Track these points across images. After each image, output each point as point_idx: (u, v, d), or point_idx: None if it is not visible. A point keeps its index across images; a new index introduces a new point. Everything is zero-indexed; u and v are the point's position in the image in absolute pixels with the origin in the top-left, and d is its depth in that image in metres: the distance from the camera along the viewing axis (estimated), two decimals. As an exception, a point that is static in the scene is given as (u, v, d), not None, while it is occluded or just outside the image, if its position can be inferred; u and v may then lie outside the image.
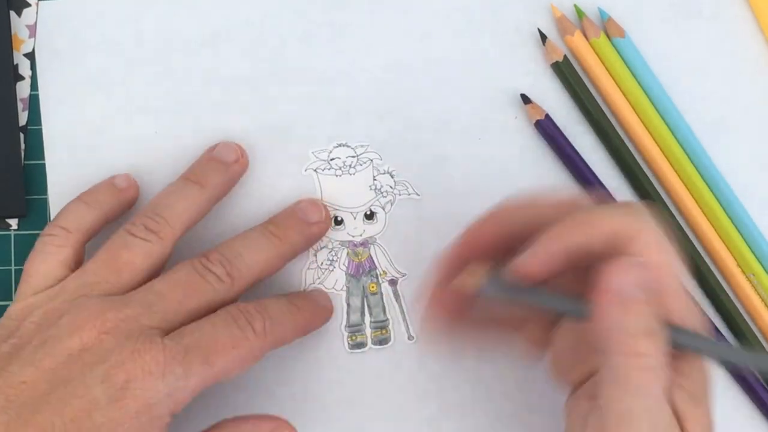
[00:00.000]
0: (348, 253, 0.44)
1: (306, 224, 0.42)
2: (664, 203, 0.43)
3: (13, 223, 0.44)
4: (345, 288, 0.44)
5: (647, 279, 0.32)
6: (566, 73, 0.43)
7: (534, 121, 0.43)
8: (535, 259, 0.34)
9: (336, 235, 0.44)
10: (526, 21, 0.44)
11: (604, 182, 0.44)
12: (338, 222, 0.44)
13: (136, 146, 0.44)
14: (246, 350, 0.37)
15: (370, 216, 0.44)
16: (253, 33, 0.44)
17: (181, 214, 0.40)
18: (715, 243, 0.43)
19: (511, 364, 0.44)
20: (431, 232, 0.44)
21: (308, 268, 0.44)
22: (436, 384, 0.44)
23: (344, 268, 0.44)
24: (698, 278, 0.43)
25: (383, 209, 0.44)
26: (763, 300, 0.43)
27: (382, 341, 0.44)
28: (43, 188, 0.44)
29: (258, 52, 0.44)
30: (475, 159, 0.44)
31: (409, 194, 0.44)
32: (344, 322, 0.44)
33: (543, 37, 0.44)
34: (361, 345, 0.44)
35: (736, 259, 0.43)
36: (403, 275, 0.44)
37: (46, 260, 0.39)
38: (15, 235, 0.44)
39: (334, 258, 0.44)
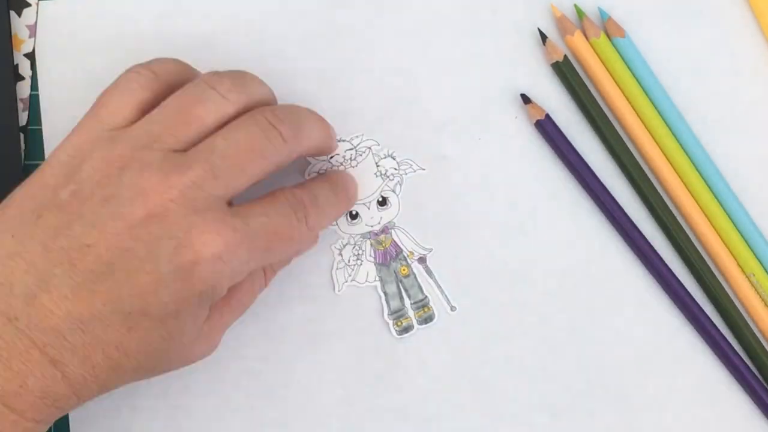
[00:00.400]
0: (371, 244, 0.44)
1: (334, 142, 0.42)
2: (664, 203, 0.43)
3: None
4: (377, 278, 0.44)
5: None
6: (566, 73, 0.43)
7: (534, 121, 0.43)
8: None
9: (355, 229, 0.44)
10: (526, 21, 0.44)
11: (603, 182, 0.44)
12: (354, 216, 0.44)
13: (136, 146, 0.44)
14: (299, 242, 0.38)
15: (382, 202, 0.44)
16: (253, 33, 0.44)
17: (260, 93, 0.38)
18: (714, 243, 0.43)
19: (511, 364, 0.44)
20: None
21: (336, 269, 0.44)
22: (436, 384, 0.44)
23: (371, 259, 0.44)
24: (698, 278, 0.43)
25: (394, 192, 0.44)
26: (763, 300, 0.43)
27: (426, 319, 0.44)
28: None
29: (258, 52, 0.44)
30: (475, 159, 0.44)
31: (415, 171, 0.44)
32: (386, 311, 0.44)
33: (543, 37, 0.44)
34: (408, 329, 0.44)
35: (736, 260, 0.43)
36: (430, 250, 0.44)
37: (124, 96, 0.37)
38: (15, 235, 0.44)
39: (360, 252, 0.44)
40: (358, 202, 0.44)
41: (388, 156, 0.44)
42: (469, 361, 0.44)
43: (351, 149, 0.44)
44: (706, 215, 0.43)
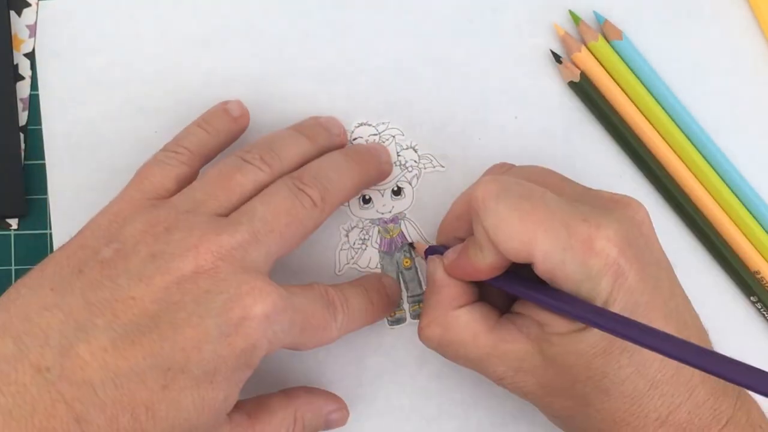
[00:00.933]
0: (379, 231, 0.44)
1: (380, 161, 0.43)
2: (690, 205, 0.44)
3: (13, 223, 0.44)
4: (379, 266, 0.44)
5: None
6: (587, 90, 0.43)
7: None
8: (443, 230, 0.42)
9: (365, 213, 0.44)
10: (526, 20, 0.44)
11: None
12: (366, 200, 0.44)
13: (136, 146, 0.44)
14: (326, 334, 0.38)
15: (397, 192, 0.44)
16: (253, 33, 0.44)
17: (293, 156, 0.39)
18: (735, 235, 0.44)
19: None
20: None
21: (341, 249, 0.44)
22: (436, 384, 0.44)
23: (377, 246, 0.44)
24: (719, 261, 0.44)
25: (410, 184, 0.44)
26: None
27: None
28: (43, 188, 0.44)
29: (258, 52, 0.44)
30: (474, 159, 0.44)
31: (434, 167, 0.44)
32: None
33: (557, 58, 0.44)
34: (400, 320, 0.44)
35: (755, 246, 0.44)
36: None
37: (164, 170, 0.38)
38: (15, 235, 0.44)
39: (366, 237, 0.44)
40: (373, 187, 0.44)
41: (410, 147, 0.44)
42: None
43: (375, 135, 0.44)
44: (723, 209, 0.44)
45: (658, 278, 0.36)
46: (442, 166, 0.44)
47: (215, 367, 0.33)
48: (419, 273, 0.44)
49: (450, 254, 0.39)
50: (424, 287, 0.44)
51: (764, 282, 0.43)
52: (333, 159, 0.40)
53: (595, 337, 0.35)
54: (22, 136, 0.44)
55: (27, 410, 0.31)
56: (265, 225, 0.36)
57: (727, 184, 0.43)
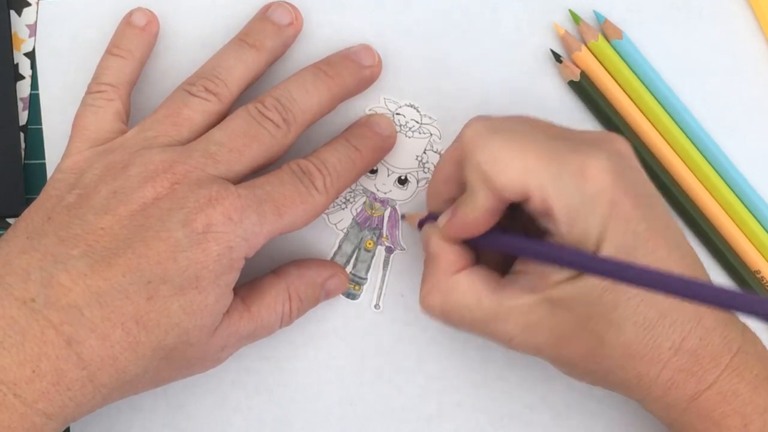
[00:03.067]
0: (365, 202, 0.44)
1: (359, 66, 0.42)
2: (690, 204, 0.44)
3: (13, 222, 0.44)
4: (345, 231, 0.44)
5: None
6: (587, 89, 0.43)
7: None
8: (432, 197, 0.40)
9: (364, 181, 0.44)
10: (526, 20, 0.44)
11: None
12: (373, 171, 0.44)
13: (136, 146, 0.44)
14: (311, 205, 0.38)
15: (402, 181, 0.44)
16: (253, 33, 0.44)
17: (238, 77, 0.40)
18: (735, 235, 0.44)
19: (511, 364, 0.44)
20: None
21: (329, 214, 0.44)
22: (436, 384, 0.44)
23: (354, 213, 0.44)
24: (719, 260, 0.44)
25: (417, 182, 0.44)
26: None
27: (350, 295, 0.44)
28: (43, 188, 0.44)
29: (258, 52, 0.44)
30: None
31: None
32: (329, 257, 0.44)
33: (557, 57, 0.44)
34: (352, 296, 0.44)
35: (755, 246, 0.44)
36: (402, 249, 0.44)
37: (98, 113, 0.39)
38: (15, 234, 0.44)
39: (351, 199, 0.44)
40: (386, 164, 0.44)
41: (438, 152, 0.44)
42: (470, 361, 0.44)
43: (417, 122, 0.44)
44: (724, 209, 0.44)
45: (653, 208, 0.36)
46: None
47: (195, 273, 0.35)
48: (372, 260, 0.44)
49: (443, 218, 0.38)
50: (368, 275, 0.44)
51: (764, 282, 0.43)
52: (299, 77, 0.41)
53: None
54: (22, 135, 0.44)
55: (18, 339, 0.33)
56: (222, 147, 0.37)
57: (727, 184, 0.43)
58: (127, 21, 0.42)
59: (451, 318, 0.38)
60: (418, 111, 0.44)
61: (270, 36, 0.42)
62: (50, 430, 0.34)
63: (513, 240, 0.37)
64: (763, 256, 0.43)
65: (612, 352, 0.36)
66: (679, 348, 0.35)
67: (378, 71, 0.43)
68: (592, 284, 0.35)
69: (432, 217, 0.40)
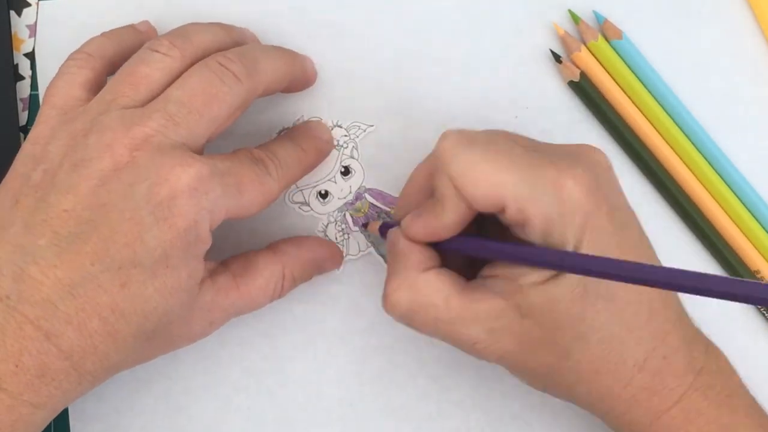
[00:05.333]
0: (351, 214, 0.44)
1: (304, 64, 0.43)
2: (690, 204, 0.44)
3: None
4: (369, 244, 0.44)
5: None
6: (586, 90, 0.43)
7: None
8: (402, 204, 0.40)
9: (329, 207, 0.44)
10: (526, 20, 0.44)
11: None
12: (324, 195, 0.44)
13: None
14: (267, 188, 0.38)
15: (345, 172, 0.44)
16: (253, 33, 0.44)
17: (205, 40, 0.39)
18: (735, 235, 0.44)
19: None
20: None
21: None
22: (436, 384, 0.44)
23: (356, 228, 0.44)
24: (719, 260, 0.44)
25: (353, 158, 0.44)
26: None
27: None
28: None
29: (258, 52, 0.44)
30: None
31: (365, 130, 0.44)
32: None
33: (557, 58, 0.44)
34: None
35: (755, 246, 0.44)
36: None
37: (66, 81, 0.39)
38: (15, 235, 0.44)
39: (343, 226, 0.44)
40: (322, 180, 0.44)
41: (335, 126, 0.44)
42: (470, 361, 0.44)
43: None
44: (722, 207, 0.44)
45: (626, 222, 0.36)
46: (371, 126, 0.44)
47: (164, 252, 0.34)
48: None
49: (408, 219, 0.38)
50: None
51: (765, 282, 0.43)
52: (261, 44, 0.41)
53: (570, 281, 0.34)
54: (22, 136, 0.44)
55: None
56: (181, 107, 0.36)
57: (727, 184, 0.43)
58: (131, 25, 0.42)
59: (416, 317, 0.37)
60: (285, 127, 0.44)
61: (236, 30, 0.42)
62: (39, 419, 0.34)
63: (484, 244, 0.37)
64: (763, 256, 0.43)
65: (577, 366, 0.36)
66: (643, 366, 0.35)
67: (313, 75, 0.44)
68: (562, 293, 0.34)
69: (392, 224, 0.40)
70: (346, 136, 0.44)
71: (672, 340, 0.36)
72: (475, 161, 0.35)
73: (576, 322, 0.35)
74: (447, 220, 0.36)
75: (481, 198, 0.35)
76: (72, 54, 0.40)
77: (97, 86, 0.39)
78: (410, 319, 0.37)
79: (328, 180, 0.44)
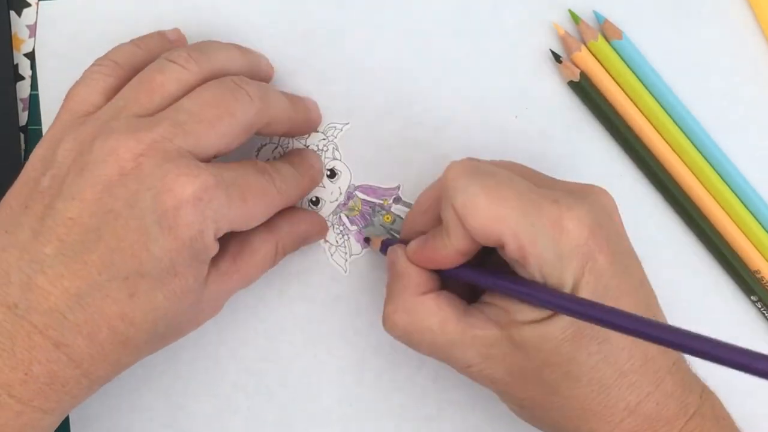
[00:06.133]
0: (346, 215, 0.44)
1: (308, 111, 0.43)
2: (690, 204, 0.44)
3: None
4: (368, 239, 0.44)
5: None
6: (586, 90, 0.43)
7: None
8: (408, 226, 0.40)
9: (323, 212, 0.44)
10: (526, 19, 0.44)
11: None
12: (315, 202, 0.44)
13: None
14: (271, 200, 0.38)
15: (331, 174, 0.44)
16: (253, 33, 0.44)
17: (221, 58, 0.39)
18: (735, 235, 0.43)
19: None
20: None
21: (332, 255, 0.44)
22: (435, 384, 0.44)
23: (355, 228, 0.44)
24: (719, 260, 0.44)
25: (336, 159, 0.44)
26: None
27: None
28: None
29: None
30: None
31: (341, 129, 0.44)
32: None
33: (557, 57, 0.44)
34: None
35: (755, 246, 0.44)
36: (398, 187, 0.44)
37: (88, 86, 0.38)
38: (15, 235, 0.44)
39: (341, 229, 0.44)
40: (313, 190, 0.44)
41: (313, 132, 0.44)
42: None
43: (276, 147, 0.44)
44: (723, 208, 0.44)
45: (627, 266, 0.36)
46: (346, 123, 0.44)
47: (171, 261, 0.34)
48: (402, 216, 0.44)
49: (413, 244, 0.38)
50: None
51: (764, 281, 0.43)
52: (272, 85, 0.41)
53: (563, 322, 0.34)
54: (22, 136, 0.44)
55: (8, 345, 0.33)
56: (191, 116, 0.36)
57: (727, 184, 0.43)
58: (161, 32, 0.42)
59: (413, 339, 0.37)
60: (264, 144, 0.44)
61: (254, 55, 0.42)
62: (48, 424, 0.35)
63: (482, 275, 0.37)
64: (763, 256, 0.43)
65: (565, 403, 0.36)
66: (633, 410, 0.35)
67: (317, 119, 0.44)
68: (553, 331, 0.34)
69: (394, 242, 0.40)
70: (324, 139, 0.44)
71: (667, 386, 0.36)
72: (478, 194, 0.35)
73: (565, 362, 0.35)
74: (451, 250, 0.36)
75: (481, 231, 0.35)
76: (98, 60, 0.39)
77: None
78: (407, 340, 0.38)
79: (317, 186, 0.44)
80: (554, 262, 0.34)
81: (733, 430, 0.37)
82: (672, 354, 0.36)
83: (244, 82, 0.37)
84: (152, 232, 0.34)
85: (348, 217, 0.44)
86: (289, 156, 0.43)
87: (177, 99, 0.37)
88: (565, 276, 0.34)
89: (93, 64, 0.39)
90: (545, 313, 0.35)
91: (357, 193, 0.44)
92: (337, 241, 0.44)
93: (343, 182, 0.44)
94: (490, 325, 0.36)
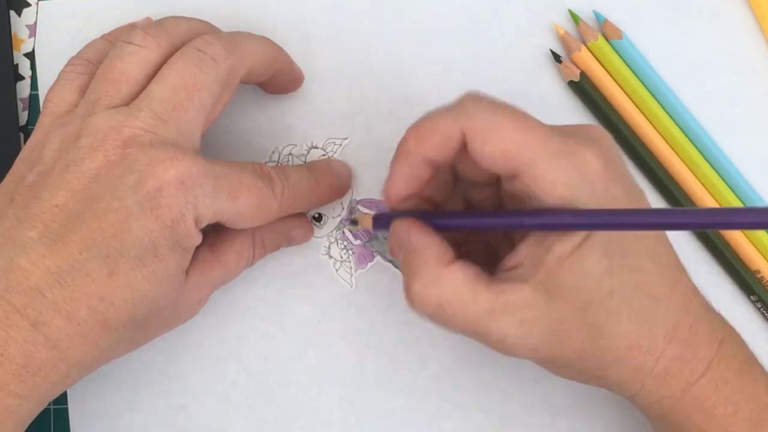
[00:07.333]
0: (349, 230, 0.44)
1: (292, 65, 0.43)
2: (690, 204, 0.44)
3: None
4: (375, 253, 0.44)
5: None
6: (586, 90, 0.44)
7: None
8: (395, 183, 0.36)
9: (326, 229, 0.44)
10: (526, 20, 0.44)
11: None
12: (318, 218, 0.44)
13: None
14: (265, 203, 0.38)
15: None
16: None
17: (181, 29, 0.39)
18: (735, 235, 0.44)
19: (511, 364, 0.44)
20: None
21: (337, 271, 0.44)
22: (435, 384, 0.44)
23: (359, 242, 0.44)
24: (719, 260, 0.44)
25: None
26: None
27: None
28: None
29: (258, 52, 0.44)
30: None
31: (341, 144, 0.44)
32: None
33: (557, 57, 0.44)
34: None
35: (755, 246, 0.44)
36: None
37: (64, 87, 0.39)
38: (15, 235, 0.44)
39: (345, 244, 0.44)
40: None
41: (312, 148, 0.44)
42: (470, 361, 0.44)
43: (274, 163, 0.44)
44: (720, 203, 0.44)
45: (636, 192, 0.36)
46: (345, 138, 0.44)
47: (152, 242, 0.35)
48: None
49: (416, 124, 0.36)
50: None
51: (764, 281, 0.43)
52: (245, 32, 0.40)
53: (597, 254, 0.33)
54: (22, 136, 0.44)
55: None
56: (165, 105, 0.36)
57: (727, 184, 0.43)
58: (131, 23, 0.42)
59: (445, 313, 0.35)
60: (266, 161, 0.44)
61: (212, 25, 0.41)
62: (26, 410, 0.34)
63: (508, 215, 0.35)
64: (763, 256, 0.43)
65: (611, 344, 0.35)
66: (672, 338, 0.35)
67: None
68: (590, 266, 0.33)
69: (384, 215, 0.38)
70: (324, 154, 0.44)
71: (695, 309, 0.36)
72: (501, 119, 0.34)
73: (606, 298, 0.34)
74: (437, 133, 0.35)
75: (500, 157, 0.33)
76: (71, 59, 0.40)
77: None
78: (439, 316, 0.35)
79: (339, 197, 0.44)
80: (579, 188, 0.33)
81: (752, 354, 0.38)
82: (690, 278, 0.37)
83: (206, 44, 0.37)
84: (134, 212, 0.34)
85: (351, 233, 0.44)
86: (313, 162, 0.43)
87: (144, 80, 0.37)
88: (588, 202, 0.33)
89: (66, 65, 0.40)
90: (578, 240, 0.33)
91: (359, 207, 0.44)
92: (341, 257, 0.44)
93: (345, 198, 0.44)
94: (521, 285, 0.34)
